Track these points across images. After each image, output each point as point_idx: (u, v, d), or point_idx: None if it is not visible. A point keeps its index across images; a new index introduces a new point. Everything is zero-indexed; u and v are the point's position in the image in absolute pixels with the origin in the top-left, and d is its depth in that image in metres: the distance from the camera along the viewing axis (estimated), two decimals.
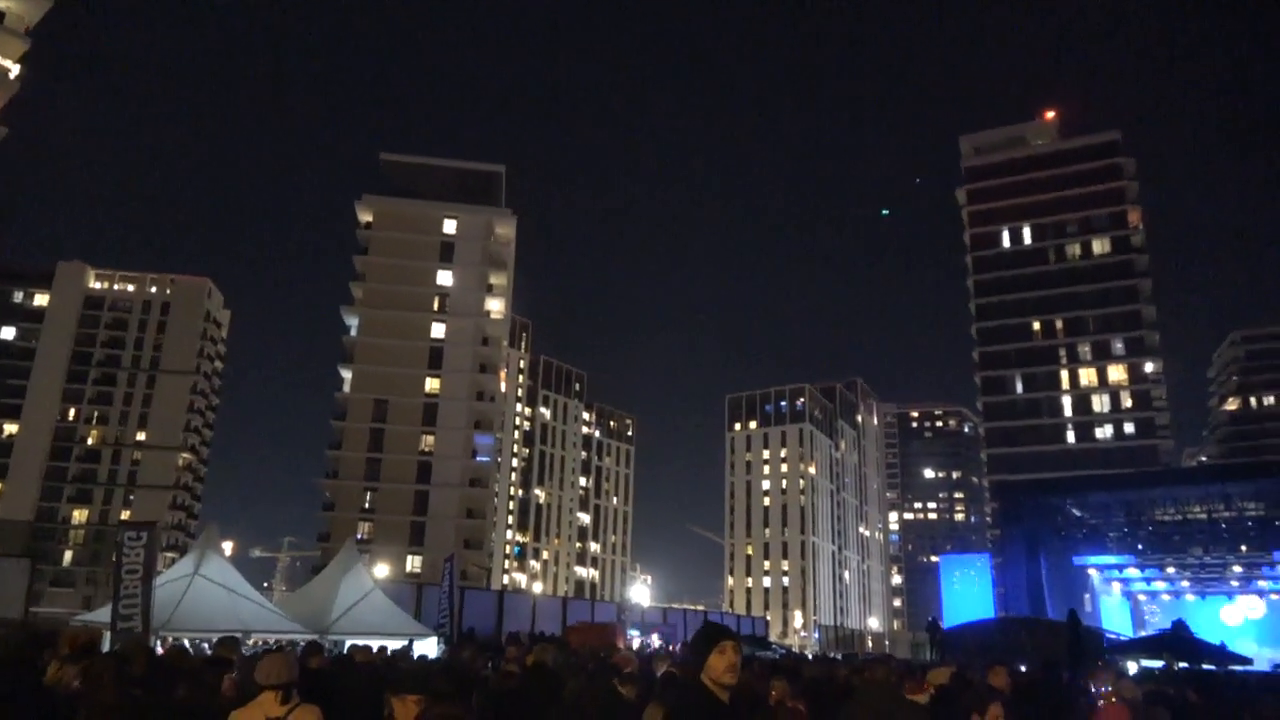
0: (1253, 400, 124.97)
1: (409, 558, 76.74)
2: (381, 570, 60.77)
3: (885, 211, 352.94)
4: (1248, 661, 26.40)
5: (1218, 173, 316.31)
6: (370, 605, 21.69)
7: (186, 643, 16.72)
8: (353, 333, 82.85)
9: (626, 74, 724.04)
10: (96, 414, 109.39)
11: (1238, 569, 39.74)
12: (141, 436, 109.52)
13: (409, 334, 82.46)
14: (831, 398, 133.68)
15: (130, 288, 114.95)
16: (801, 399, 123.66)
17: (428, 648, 21.01)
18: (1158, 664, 22.34)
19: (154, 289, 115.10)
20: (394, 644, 18.59)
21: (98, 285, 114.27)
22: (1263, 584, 40.67)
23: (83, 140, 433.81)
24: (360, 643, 13.18)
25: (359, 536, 71.66)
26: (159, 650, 14.74)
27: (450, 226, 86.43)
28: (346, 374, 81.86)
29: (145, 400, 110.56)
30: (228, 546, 31.36)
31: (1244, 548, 37.28)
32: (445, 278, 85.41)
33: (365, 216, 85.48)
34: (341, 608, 20.83)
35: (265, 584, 75.91)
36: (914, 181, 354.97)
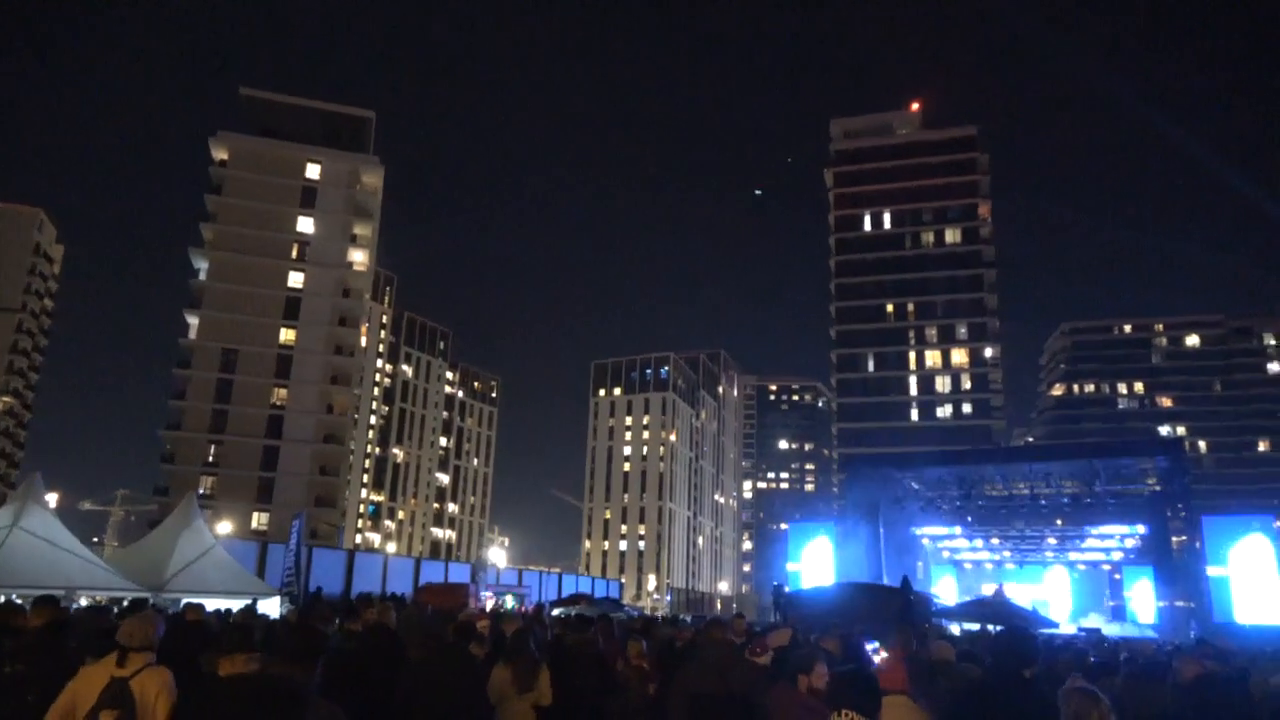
0: (1076, 387, 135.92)
1: (256, 514, 73.99)
2: (225, 527, 58.10)
3: (759, 191, 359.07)
4: (1055, 626, 28.87)
5: (1059, 174, 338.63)
6: (210, 562, 20.79)
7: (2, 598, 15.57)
8: (201, 276, 78.41)
9: (503, 34, 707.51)
10: None
11: (1053, 542, 43.17)
12: None
13: (264, 281, 78.70)
14: (695, 368, 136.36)
15: None
16: (666, 368, 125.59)
17: (271, 608, 20.36)
18: (975, 627, 24.09)
19: None
20: (236, 603, 17.95)
21: None
22: (1073, 556, 44.43)
23: None
24: (195, 601, 12.64)
25: (201, 491, 68.43)
26: None
27: (313, 171, 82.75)
28: (193, 320, 77.51)
29: None
30: (53, 498, 29.30)
31: (1060, 522, 40.48)
32: (306, 224, 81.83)
33: (220, 154, 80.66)
34: (178, 565, 19.85)
35: (95, 539, 71.34)
36: (786, 160, 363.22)
